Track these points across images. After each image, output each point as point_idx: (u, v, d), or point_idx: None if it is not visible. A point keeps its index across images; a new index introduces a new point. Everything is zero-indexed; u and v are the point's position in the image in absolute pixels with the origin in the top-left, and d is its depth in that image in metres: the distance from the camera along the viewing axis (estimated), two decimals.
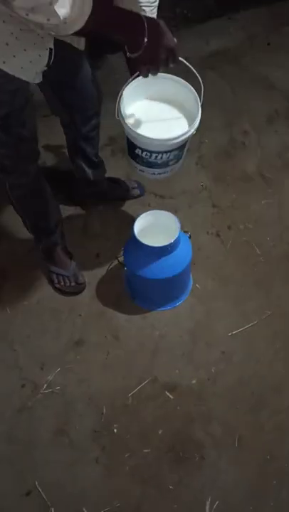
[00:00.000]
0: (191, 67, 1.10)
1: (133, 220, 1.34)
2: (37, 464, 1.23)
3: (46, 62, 1.01)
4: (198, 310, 1.49)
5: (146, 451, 1.24)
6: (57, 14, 0.78)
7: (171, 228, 1.30)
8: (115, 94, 1.11)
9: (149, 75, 1.02)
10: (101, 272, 1.58)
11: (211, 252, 1.62)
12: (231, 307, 1.50)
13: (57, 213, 1.42)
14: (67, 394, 1.34)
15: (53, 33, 0.92)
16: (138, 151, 1.18)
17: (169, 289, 1.45)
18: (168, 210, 1.38)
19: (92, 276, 1.57)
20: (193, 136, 1.28)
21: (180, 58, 1.04)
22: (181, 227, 1.32)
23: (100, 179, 1.65)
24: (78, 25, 0.83)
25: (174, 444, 1.25)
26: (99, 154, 1.57)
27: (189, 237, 1.43)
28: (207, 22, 2.50)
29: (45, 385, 1.34)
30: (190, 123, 1.20)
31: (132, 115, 1.20)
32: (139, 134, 1.12)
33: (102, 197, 1.73)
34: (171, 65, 1.02)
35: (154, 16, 1.08)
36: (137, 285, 1.45)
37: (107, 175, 1.68)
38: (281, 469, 1.22)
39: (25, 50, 0.93)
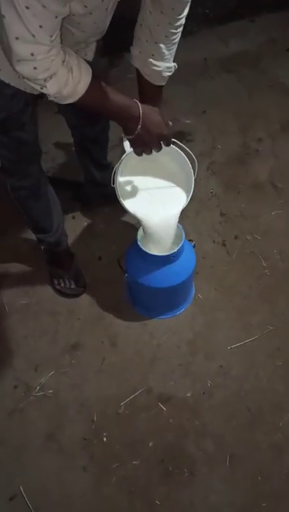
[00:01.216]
0: (186, 148, 1.14)
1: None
2: (24, 468, 1.22)
3: None
4: (198, 320, 1.46)
5: (135, 462, 1.21)
6: (47, 90, 0.82)
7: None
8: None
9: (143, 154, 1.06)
10: (102, 275, 1.56)
11: (215, 261, 1.58)
12: (233, 319, 1.46)
13: (60, 215, 1.39)
14: (60, 398, 1.32)
15: None
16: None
17: (170, 298, 1.42)
18: None
19: (93, 279, 1.54)
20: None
21: (174, 140, 1.08)
22: (187, 235, 1.29)
23: (107, 181, 1.62)
24: (70, 100, 0.87)
25: (164, 457, 1.22)
26: (107, 156, 1.54)
27: (193, 246, 1.39)
28: (228, 23, 2.45)
29: (38, 388, 1.33)
30: (186, 192, 1.21)
31: (127, 184, 1.21)
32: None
33: (109, 199, 1.69)
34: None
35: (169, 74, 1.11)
36: (137, 292, 1.42)
37: None
38: (273, 491, 1.18)
39: None
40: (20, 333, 1.44)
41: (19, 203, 1.28)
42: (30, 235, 1.51)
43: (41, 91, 0.84)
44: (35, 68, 0.78)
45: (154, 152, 1.06)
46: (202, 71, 2.21)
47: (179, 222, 1.24)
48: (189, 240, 1.40)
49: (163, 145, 1.05)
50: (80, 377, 1.35)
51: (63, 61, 0.81)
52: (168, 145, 1.06)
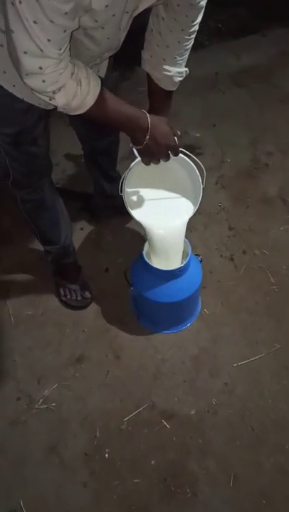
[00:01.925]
0: (194, 157, 1.13)
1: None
2: (24, 481, 1.21)
3: None
4: (204, 336, 1.44)
5: (136, 480, 1.20)
6: (56, 102, 0.82)
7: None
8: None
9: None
10: (108, 287, 1.55)
11: (222, 276, 1.57)
12: (239, 336, 1.44)
13: (68, 227, 1.39)
14: (62, 411, 1.31)
15: None
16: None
17: (176, 313, 1.41)
18: None
19: (99, 291, 1.54)
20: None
21: (183, 150, 1.08)
22: (194, 249, 1.28)
23: (116, 193, 1.62)
24: (79, 112, 0.87)
25: (166, 476, 1.20)
26: (117, 168, 1.55)
27: (200, 261, 1.38)
28: (240, 37, 2.46)
29: (41, 401, 1.32)
30: (194, 202, 1.20)
31: (135, 192, 1.21)
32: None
33: (118, 211, 1.70)
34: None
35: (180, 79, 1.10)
36: (142, 306, 1.41)
37: None
38: None
39: None
40: (25, 344, 1.44)
41: (28, 214, 1.28)
42: (37, 245, 1.51)
43: (50, 102, 0.84)
44: (43, 81, 0.78)
45: (162, 162, 1.06)
46: (213, 84, 2.22)
47: (186, 236, 1.23)
48: (196, 255, 1.39)
49: (171, 155, 1.05)
50: (84, 390, 1.34)
51: (72, 73, 0.81)
52: (176, 155, 1.06)
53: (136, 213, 1.19)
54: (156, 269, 1.24)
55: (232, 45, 2.42)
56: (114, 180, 1.57)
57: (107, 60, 1.09)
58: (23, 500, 1.17)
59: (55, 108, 1.03)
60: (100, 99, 0.87)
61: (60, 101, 0.82)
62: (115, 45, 0.95)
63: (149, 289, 1.29)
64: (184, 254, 1.27)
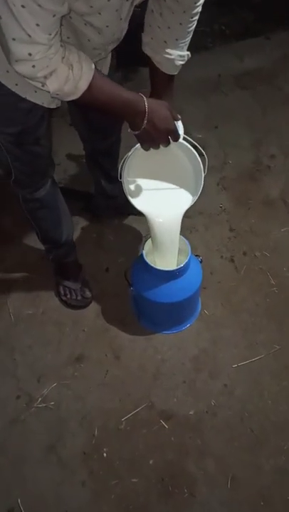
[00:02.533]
0: (196, 144, 1.10)
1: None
2: (23, 480, 1.21)
3: None
4: (204, 337, 1.44)
5: (134, 480, 1.20)
6: (48, 87, 0.80)
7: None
8: None
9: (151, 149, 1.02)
10: (109, 287, 1.56)
11: (223, 277, 1.57)
12: (239, 337, 1.44)
13: (69, 226, 1.40)
14: (61, 410, 1.31)
15: None
16: None
17: (176, 313, 1.41)
18: (183, 230, 1.32)
19: (99, 291, 1.54)
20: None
21: (183, 136, 1.05)
22: (195, 250, 1.28)
23: (117, 193, 1.63)
24: (73, 97, 0.85)
25: (164, 476, 1.20)
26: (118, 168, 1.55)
27: (200, 262, 1.39)
28: (243, 40, 2.46)
29: (40, 399, 1.32)
30: (192, 192, 1.17)
31: (134, 179, 1.18)
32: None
33: (119, 211, 1.71)
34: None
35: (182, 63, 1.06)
36: (142, 306, 1.41)
37: None
38: None
39: None
40: (25, 343, 1.44)
41: (30, 214, 1.29)
42: (39, 245, 1.52)
43: (42, 89, 0.82)
44: (33, 67, 0.76)
45: (162, 147, 1.03)
46: (216, 87, 2.23)
47: (187, 236, 1.23)
48: (196, 255, 1.39)
49: (171, 140, 1.02)
50: (83, 389, 1.34)
51: (63, 57, 0.79)
52: (176, 140, 1.02)
53: (135, 200, 1.17)
54: (156, 269, 1.24)
55: (235, 47, 2.43)
56: (116, 181, 1.56)
57: (110, 56, 1.09)
58: (22, 499, 1.17)
59: (58, 108, 1.03)
60: (94, 83, 0.84)
61: (52, 86, 0.80)
62: (117, 35, 0.93)
63: (149, 289, 1.29)
64: (184, 255, 1.28)
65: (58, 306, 1.52)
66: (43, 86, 0.81)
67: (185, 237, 1.30)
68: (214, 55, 2.37)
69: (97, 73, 0.85)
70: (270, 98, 2.17)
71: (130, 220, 1.73)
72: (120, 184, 1.60)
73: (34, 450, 1.25)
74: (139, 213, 1.69)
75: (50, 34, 0.74)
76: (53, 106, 1.00)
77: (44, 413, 1.31)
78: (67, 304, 1.50)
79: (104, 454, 1.23)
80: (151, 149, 1.04)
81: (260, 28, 2.51)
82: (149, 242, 1.30)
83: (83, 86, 0.83)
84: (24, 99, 0.96)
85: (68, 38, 0.88)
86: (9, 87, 0.93)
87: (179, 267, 1.23)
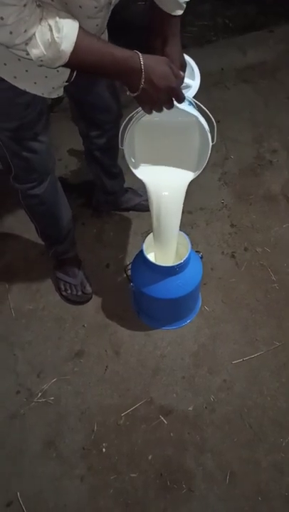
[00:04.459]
0: (203, 107, 1.02)
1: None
2: (22, 474, 1.22)
3: (67, 77, 0.97)
4: (204, 332, 1.44)
5: (133, 475, 1.20)
6: (30, 54, 0.75)
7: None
8: None
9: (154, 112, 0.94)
10: (109, 283, 1.56)
11: (223, 273, 1.57)
12: (239, 333, 1.44)
13: (69, 222, 1.39)
14: (61, 406, 1.32)
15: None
16: None
17: (176, 309, 1.41)
18: (184, 225, 1.30)
19: (99, 287, 1.54)
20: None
21: (191, 98, 0.96)
22: (195, 245, 1.27)
23: (117, 189, 1.62)
24: (60, 62, 0.78)
25: (163, 471, 1.21)
26: (118, 164, 1.55)
27: (201, 258, 1.38)
28: (247, 33, 2.43)
29: (40, 394, 1.33)
30: (200, 161, 1.08)
31: (137, 146, 1.10)
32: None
33: (119, 206, 1.70)
34: (178, 104, 0.93)
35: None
36: (142, 302, 1.41)
37: (125, 185, 1.66)
38: None
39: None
40: (25, 338, 1.45)
41: (30, 210, 1.28)
42: (39, 239, 1.52)
43: (27, 57, 0.76)
44: (10, 33, 0.71)
45: (166, 112, 0.93)
46: (218, 80, 2.20)
47: (187, 232, 1.20)
48: (196, 251, 1.39)
49: (175, 102, 0.92)
50: (82, 385, 1.35)
51: (40, 19, 0.72)
52: (180, 101, 0.92)
53: (137, 170, 1.11)
54: (156, 265, 1.23)
55: (239, 41, 2.40)
56: (115, 176, 1.57)
57: (107, 33, 1.04)
58: (21, 493, 1.18)
59: (59, 103, 1.01)
60: (79, 44, 0.76)
61: (34, 52, 0.74)
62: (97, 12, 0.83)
63: (148, 285, 1.29)
64: (184, 250, 1.27)
65: (58, 301, 1.52)
66: (27, 55, 0.76)
67: (186, 233, 1.30)
68: (217, 48, 2.35)
69: (82, 32, 0.77)
70: (273, 92, 2.14)
71: (131, 216, 1.72)
72: (120, 179, 1.61)
73: (34, 445, 1.26)
74: (140, 209, 1.70)
75: None
76: (53, 96, 0.98)
77: (44, 408, 1.31)
78: (67, 300, 1.51)
79: (104, 449, 1.24)
80: (155, 116, 0.93)
81: (264, 22, 2.48)
82: (149, 238, 1.30)
83: (67, 48, 0.76)
84: (22, 94, 0.95)
85: (52, 0, 0.79)
86: (8, 80, 0.92)
87: (179, 262, 1.22)
